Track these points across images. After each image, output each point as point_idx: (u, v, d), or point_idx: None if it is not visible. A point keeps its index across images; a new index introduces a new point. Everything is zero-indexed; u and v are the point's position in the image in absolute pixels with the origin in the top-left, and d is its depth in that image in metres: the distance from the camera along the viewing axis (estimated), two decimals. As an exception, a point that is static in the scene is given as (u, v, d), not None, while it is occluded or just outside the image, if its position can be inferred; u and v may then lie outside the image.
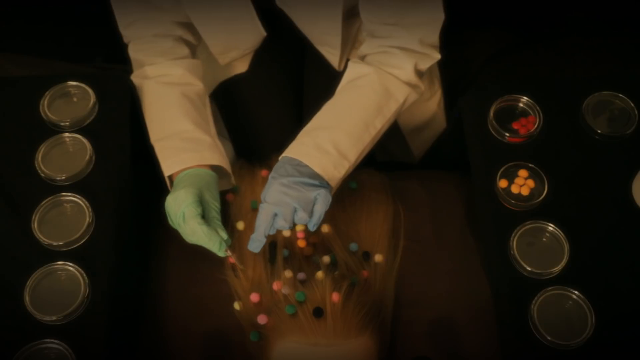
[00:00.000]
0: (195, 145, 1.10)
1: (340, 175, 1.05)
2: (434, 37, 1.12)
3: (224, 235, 1.03)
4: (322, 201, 1.01)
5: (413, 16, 1.08)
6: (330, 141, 1.05)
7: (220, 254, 1.03)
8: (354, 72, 1.13)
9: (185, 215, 1.01)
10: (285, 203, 1.00)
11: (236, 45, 1.22)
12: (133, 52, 1.19)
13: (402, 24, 1.09)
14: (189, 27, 1.17)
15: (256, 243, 1.02)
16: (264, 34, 1.19)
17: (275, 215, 1.00)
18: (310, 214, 1.01)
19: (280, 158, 1.06)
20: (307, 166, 1.03)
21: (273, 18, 1.18)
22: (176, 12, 1.13)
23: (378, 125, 1.09)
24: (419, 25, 1.10)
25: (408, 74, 1.12)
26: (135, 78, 1.19)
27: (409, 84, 1.13)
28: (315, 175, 1.02)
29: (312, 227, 1.02)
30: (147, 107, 1.16)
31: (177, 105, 1.13)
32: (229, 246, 1.05)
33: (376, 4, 1.08)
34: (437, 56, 1.14)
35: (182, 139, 1.10)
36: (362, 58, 1.16)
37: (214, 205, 1.04)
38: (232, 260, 1.07)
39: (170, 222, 1.04)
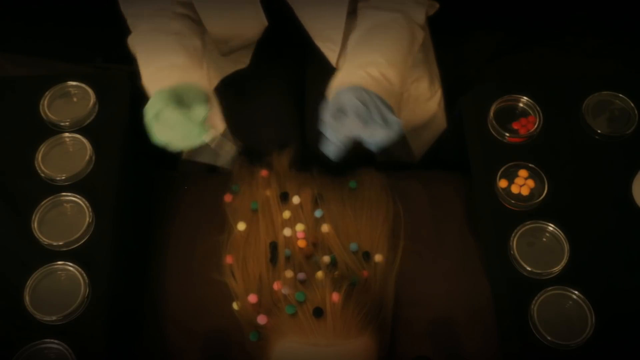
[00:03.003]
0: (185, 70, 1.07)
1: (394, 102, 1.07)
2: None
3: (202, 112, 0.99)
4: (395, 127, 0.99)
5: None
6: (382, 74, 1.07)
7: (199, 139, 0.99)
8: (380, 17, 1.14)
9: (158, 110, 0.98)
10: (371, 110, 0.99)
11: (237, 34, 1.21)
12: (132, 37, 1.15)
13: None
14: (192, 8, 1.15)
15: (339, 148, 0.99)
16: (266, 23, 1.18)
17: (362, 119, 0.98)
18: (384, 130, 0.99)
19: (341, 87, 1.04)
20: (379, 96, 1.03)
21: (275, 12, 1.17)
22: None
23: (409, 62, 1.14)
24: None
25: (422, 19, 1.17)
26: (130, 40, 1.15)
27: (423, 28, 1.18)
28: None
29: (375, 145, 0.99)
30: (140, 57, 1.12)
31: (169, 50, 1.10)
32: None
33: None
34: (437, 5, 1.24)
35: (172, 65, 1.07)
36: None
37: (199, 107, 1.00)
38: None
39: (154, 137, 1.01)
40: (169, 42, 1.11)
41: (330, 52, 1.25)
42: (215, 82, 1.32)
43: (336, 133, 1.00)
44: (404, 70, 1.12)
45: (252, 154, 1.31)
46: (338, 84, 1.07)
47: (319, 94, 1.16)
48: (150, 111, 1.00)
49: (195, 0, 1.13)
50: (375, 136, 0.99)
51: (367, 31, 1.14)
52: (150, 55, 1.11)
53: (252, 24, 1.19)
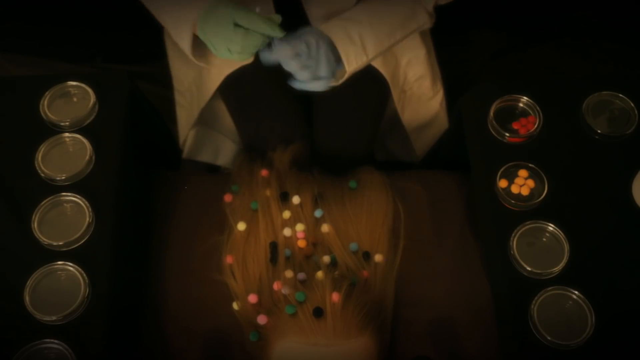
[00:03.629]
0: None
1: (356, 65, 1.11)
2: None
3: (279, 16, 1.04)
4: (324, 75, 1.07)
5: None
6: (358, 33, 1.10)
7: (279, 32, 1.03)
8: None
9: (234, 16, 1.01)
10: (312, 50, 1.05)
11: None
12: None
13: None
14: None
15: (267, 57, 1.05)
16: (273, 13, 1.17)
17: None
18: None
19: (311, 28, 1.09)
20: (334, 46, 1.09)
21: (283, 5, 1.17)
22: None
23: (398, 36, 1.16)
24: None
25: (431, 6, 1.19)
26: None
27: (429, 13, 1.20)
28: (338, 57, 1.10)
29: (298, 85, 1.07)
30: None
31: None
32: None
33: None
34: None
35: None
36: None
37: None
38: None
39: (218, 50, 1.04)
40: None
41: None
42: (220, 78, 1.31)
43: (272, 52, 1.05)
44: (386, 39, 1.14)
45: (256, 150, 1.30)
46: (321, 28, 1.10)
47: (325, 94, 1.16)
48: (227, 17, 1.01)
49: None
50: (300, 75, 1.05)
51: (370, 1, 1.17)
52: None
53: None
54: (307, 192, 1.17)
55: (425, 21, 1.19)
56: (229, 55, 1.05)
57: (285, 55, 1.05)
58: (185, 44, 1.09)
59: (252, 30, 1.02)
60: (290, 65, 1.06)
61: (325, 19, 1.19)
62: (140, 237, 1.17)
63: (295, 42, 1.05)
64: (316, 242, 1.14)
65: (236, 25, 1.02)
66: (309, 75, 1.07)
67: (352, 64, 1.11)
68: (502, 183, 1.10)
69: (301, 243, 1.13)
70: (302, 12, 1.21)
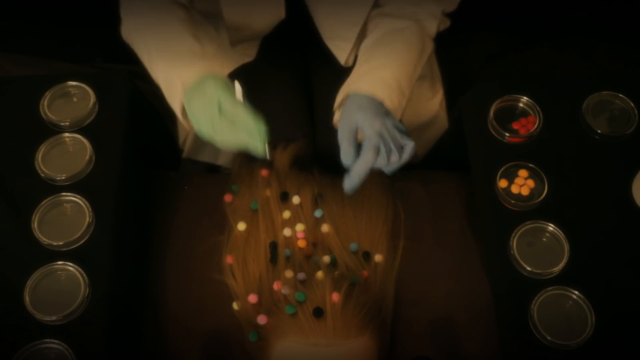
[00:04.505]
0: (207, 59, 1.04)
1: (400, 108, 1.09)
2: (454, 7, 1.17)
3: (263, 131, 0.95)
4: (409, 151, 1.01)
5: None
6: (393, 77, 1.08)
7: (262, 150, 0.95)
8: (394, 24, 1.15)
9: (221, 101, 0.95)
10: (387, 142, 1.00)
11: (252, 22, 1.19)
12: (130, 24, 1.12)
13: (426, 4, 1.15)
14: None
15: (355, 181, 1.01)
16: (283, 15, 1.17)
17: (378, 151, 1.00)
18: (398, 158, 1.01)
19: (353, 92, 1.05)
20: (387, 106, 1.04)
21: (291, 5, 1.17)
22: None
23: (418, 69, 1.14)
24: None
25: (434, 31, 1.17)
26: (128, 27, 1.12)
27: (433, 41, 1.18)
28: (400, 121, 1.06)
29: (389, 170, 1.02)
30: (148, 41, 1.08)
31: (183, 36, 1.06)
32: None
33: None
34: (449, 22, 1.20)
35: (192, 53, 1.04)
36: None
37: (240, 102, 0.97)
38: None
39: (201, 131, 0.98)
40: (179, 28, 1.08)
41: (339, 51, 1.24)
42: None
43: (354, 165, 1.01)
44: (413, 75, 1.12)
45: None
46: (352, 89, 1.06)
47: (328, 93, 1.15)
48: (214, 99, 0.96)
49: None
50: (391, 165, 1.01)
51: (381, 37, 1.14)
52: (162, 39, 1.07)
53: (269, 14, 1.18)
54: (307, 192, 1.17)
55: (431, 49, 1.18)
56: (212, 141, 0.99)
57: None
58: (176, 107, 1.04)
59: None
60: (378, 160, 1.01)
61: (333, 29, 1.19)
62: (140, 237, 1.17)
63: (363, 137, 1.00)
64: (316, 242, 1.14)
65: (222, 112, 0.96)
66: (394, 156, 1.01)
67: (398, 111, 1.08)
68: (502, 183, 1.10)
69: (301, 243, 1.13)
70: (308, 18, 1.21)
